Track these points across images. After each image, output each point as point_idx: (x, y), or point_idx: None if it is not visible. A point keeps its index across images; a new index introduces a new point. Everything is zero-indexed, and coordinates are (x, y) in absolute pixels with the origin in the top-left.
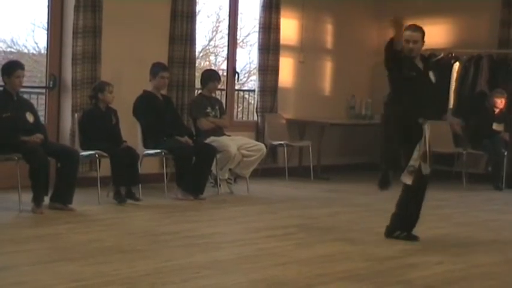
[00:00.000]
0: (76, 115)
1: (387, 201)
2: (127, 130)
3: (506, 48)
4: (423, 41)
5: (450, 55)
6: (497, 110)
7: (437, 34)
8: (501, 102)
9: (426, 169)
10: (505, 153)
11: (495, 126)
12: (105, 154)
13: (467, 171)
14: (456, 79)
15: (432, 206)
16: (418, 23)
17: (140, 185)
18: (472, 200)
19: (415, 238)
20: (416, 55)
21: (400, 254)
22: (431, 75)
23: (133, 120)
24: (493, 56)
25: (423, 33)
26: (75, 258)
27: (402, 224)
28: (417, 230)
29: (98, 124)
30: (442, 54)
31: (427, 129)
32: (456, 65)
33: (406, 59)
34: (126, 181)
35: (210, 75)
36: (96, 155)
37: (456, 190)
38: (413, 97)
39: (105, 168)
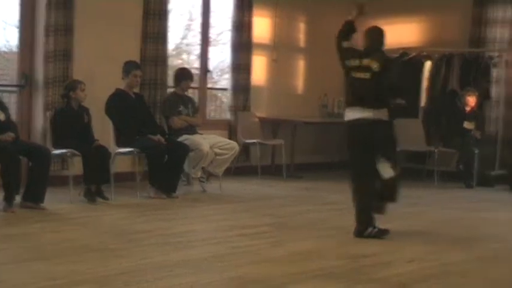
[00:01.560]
0: (48, 113)
1: None
2: (99, 128)
3: (478, 47)
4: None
5: (422, 54)
6: (468, 109)
7: (409, 33)
8: (472, 100)
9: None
10: (476, 151)
11: (466, 124)
12: (77, 153)
13: (439, 169)
14: (428, 78)
15: (404, 204)
16: (391, 22)
17: (112, 184)
18: (444, 197)
19: (385, 232)
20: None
21: (373, 252)
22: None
23: (106, 119)
24: (464, 55)
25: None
26: (48, 257)
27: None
28: (390, 227)
29: (70, 122)
30: (413, 53)
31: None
32: (428, 64)
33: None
34: (97, 179)
35: (183, 74)
36: (68, 154)
37: (428, 188)
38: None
39: (77, 166)
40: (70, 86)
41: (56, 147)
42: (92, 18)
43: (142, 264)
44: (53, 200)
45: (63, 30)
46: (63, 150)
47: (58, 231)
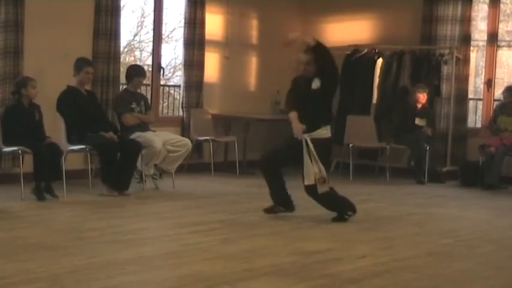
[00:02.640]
0: None
1: None
2: (51, 126)
3: (428, 44)
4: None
5: (373, 51)
6: (419, 105)
7: (360, 30)
8: (423, 97)
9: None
10: (427, 148)
11: (417, 121)
12: (28, 150)
13: (391, 166)
14: (379, 75)
15: (356, 201)
16: (343, 19)
17: (64, 181)
18: (395, 194)
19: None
20: (311, 75)
21: (324, 248)
22: (315, 82)
23: (57, 116)
24: (415, 52)
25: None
26: None
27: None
28: (342, 224)
29: (20, 120)
30: (365, 50)
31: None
32: (379, 61)
33: (299, 79)
34: (47, 177)
35: (135, 71)
36: (19, 151)
37: (380, 184)
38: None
39: (28, 164)
40: (21, 83)
41: (7, 144)
42: (43, 15)
43: (94, 262)
44: (4, 197)
45: (12, 26)
46: (14, 148)
47: (9, 229)
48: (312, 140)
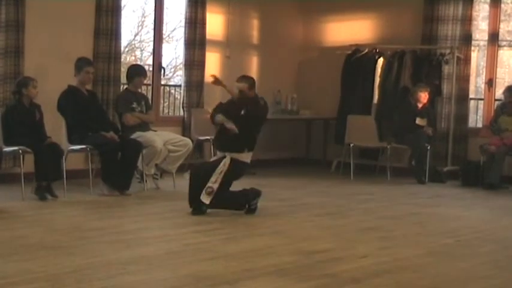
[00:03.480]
0: None
1: (313, 195)
2: (51, 125)
3: (429, 44)
4: (251, 89)
5: (374, 50)
6: (420, 105)
7: (361, 30)
8: (425, 96)
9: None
10: (428, 148)
11: (418, 121)
12: (29, 150)
13: (392, 165)
14: (380, 74)
15: (357, 200)
16: (342, 18)
17: (65, 181)
18: (396, 193)
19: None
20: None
21: (325, 248)
22: (244, 109)
23: (58, 116)
24: (416, 52)
25: (250, 83)
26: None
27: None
28: (343, 223)
29: (21, 120)
30: (366, 50)
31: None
32: (380, 61)
33: (231, 104)
34: (48, 176)
35: (136, 70)
36: (20, 151)
37: (381, 184)
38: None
39: (29, 164)
40: (22, 83)
41: (7, 144)
42: (44, 15)
43: (95, 262)
44: (5, 197)
45: (13, 26)
46: (15, 148)
47: (10, 229)
48: (232, 159)
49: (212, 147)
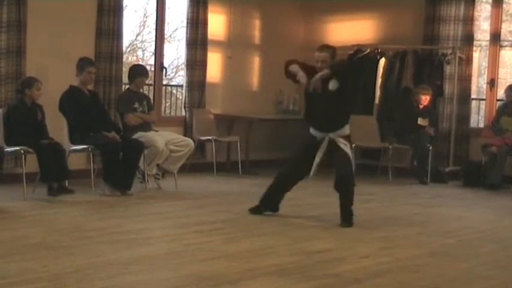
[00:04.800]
0: (0, 110)
1: (314, 195)
2: (53, 125)
3: (431, 44)
4: (333, 59)
5: (376, 51)
6: (422, 105)
7: (363, 30)
8: (426, 99)
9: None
10: (430, 148)
11: (420, 121)
12: (30, 150)
13: (393, 166)
14: (382, 75)
15: (359, 200)
16: (344, 19)
17: (67, 181)
18: (398, 193)
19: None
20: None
21: (327, 248)
22: (331, 84)
23: (60, 116)
24: (418, 52)
25: (332, 52)
26: (0, 255)
27: None
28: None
29: (23, 119)
30: (368, 50)
31: (326, 143)
32: (382, 61)
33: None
34: (56, 176)
35: (138, 70)
36: (22, 151)
37: (382, 184)
38: (307, 110)
39: (30, 164)
40: (26, 83)
41: (9, 144)
42: (45, 14)
43: (96, 261)
44: (6, 197)
45: (15, 26)
46: (17, 148)
47: (11, 229)
48: (340, 137)
49: (214, 147)
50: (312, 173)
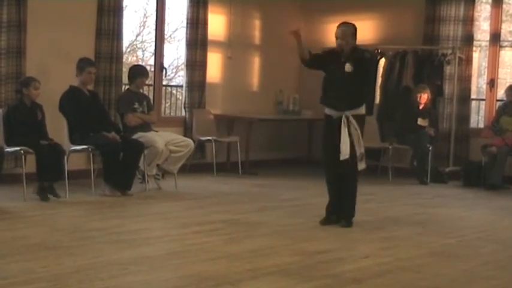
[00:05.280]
0: (0, 110)
1: (315, 196)
2: (53, 126)
3: (431, 44)
4: (354, 36)
5: (376, 51)
6: (422, 105)
7: (363, 30)
8: (424, 97)
9: (361, 165)
10: (430, 148)
11: (420, 121)
12: (30, 150)
13: (393, 166)
14: (382, 75)
15: (359, 200)
16: (344, 19)
17: (67, 181)
18: (398, 194)
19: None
20: (345, 50)
21: (327, 248)
22: (348, 66)
23: (60, 116)
24: (418, 52)
25: (353, 29)
26: (1, 255)
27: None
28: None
29: (23, 120)
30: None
31: (345, 122)
32: (382, 61)
33: (330, 53)
34: (51, 177)
35: (139, 71)
36: (22, 151)
37: (382, 184)
38: (326, 89)
39: (30, 164)
40: (24, 83)
41: (9, 144)
42: (45, 14)
43: (96, 262)
44: (7, 198)
45: (15, 26)
46: (16, 148)
47: (11, 229)
48: (353, 116)
49: (214, 147)
50: (344, 155)
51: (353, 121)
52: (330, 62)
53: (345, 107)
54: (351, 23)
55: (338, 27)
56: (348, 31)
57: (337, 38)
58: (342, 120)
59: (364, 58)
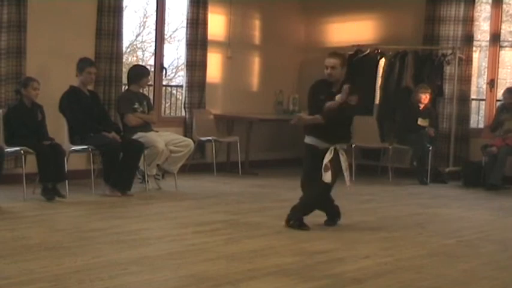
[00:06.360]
0: (0, 111)
1: None
2: (53, 126)
3: (431, 45)
4: (343, 66)
5: (376, 51)
6: (422, 106)
7: (363, 30)
8: (425, 97)
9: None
10: (430, 148)
11: (420, 121)
12: (30, 150)
13: (394, 166)
14: (382, 75)
15: (359, 200)
16: (344, 19)
17: (67, 182)
18: (398, 194)
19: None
20: (334, 80)
21: (328, 248)
22: (338, 97)
23: (60, 116)
24: (418, 52)
25: (342, 59)
26: (1, 255)
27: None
28: (345, 224)
29: (23, 120)
30: (368, 50)
31: (329, 154)
32: (382, 61)
33: (321, 84)
34: (53, 177)
35: (143, 71)
36: (22, 152)
37: (382, 184)
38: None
39: (30, 164)
40: (22, 83)
41: (9, 144)
42: (45, 15)
43: (96, 262)
44: (7, 198)
45: (15, 26)
46: (17, 148)
47: (11, 229)
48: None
49: (214, 147)
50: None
51: (343, 153)
52: (319, 94)
53: (336, 140)
54: (341, 54)
55: (329, 56)
56: (338, 62)
57: (327, 67)
58: (330, 150)
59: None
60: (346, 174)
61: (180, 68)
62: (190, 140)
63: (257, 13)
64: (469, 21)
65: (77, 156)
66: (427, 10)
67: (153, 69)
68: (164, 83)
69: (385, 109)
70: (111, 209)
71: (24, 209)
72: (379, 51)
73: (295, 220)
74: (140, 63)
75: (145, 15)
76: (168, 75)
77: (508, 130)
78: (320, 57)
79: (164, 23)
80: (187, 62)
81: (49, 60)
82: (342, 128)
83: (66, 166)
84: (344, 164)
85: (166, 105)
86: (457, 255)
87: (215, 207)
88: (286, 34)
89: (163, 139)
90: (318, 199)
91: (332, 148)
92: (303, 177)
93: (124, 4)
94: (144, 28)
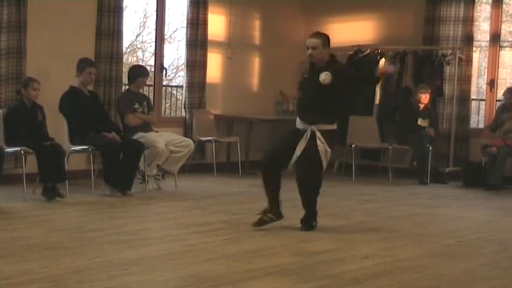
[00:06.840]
0: (0, 111)
1: None
2: (53, 126)
3: (431, 45)
4: (325, 46)
5: (376, 51)
6: (422, 106)
7: (363, 30)
8: (425, 97)
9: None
10: (430, 148)
11: (420, 121)
12: (30, 151)
13: (393, 166)
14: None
15: (359, 200)
16: (344, 19)
17: (67, 182)
18: (398, 194)
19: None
20: (317, 60)
21: (327, 248)
22: (322, 77)
23: (60, 116)
24: (418, 52)
25: (324, 39)
26: (1, 255)
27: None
28: (345, 224)
29: (23, 120)
30: (368, 51)
31: (308, 135)
32: (382, 61)
33: (309, 65)
34: (53, 178)
35: (139, 71)
36: (22, 152)
37: (382, 185)
38: (298, 101)
39: (30, 165)
40: (22, 83)
41: (10, 145)
42: (45, 15)
43: (96, 262)
44: (7, 198)
45: (15, 26)
46: (17, 148)
47: (11, 229)
48: (321, 131)
49: (214, 148)
50: (289, 166)
51: (320, 137)
52: (304, 73)
53: (315, 120)
54: (323, 34)
55: (310, 36)
56: (320, 42)
57: (308, 48)
58: (306, 134)
59: (346, 73)
60: (325, 160)
61: (180, 68)
62: (190, 140)
63: (257, 13)
64: (469, 21)
65: (77, 157)
66: (427, 10)
67: (153, 70)
68: (164, 83)
69: (385, 109)
70: (111, 209)
71: (24, 209)
72: (379, 51)
73: (312, 227)
74: (140, 63)
75: (145, 15)
76: (168, 76)
77: (508, 130)
78: None
79: (164, 23)
80: (187, 62)
81: (49, 61)
82: (323, 106)
83: (66, 166)
84: (321, 148)
85: (167, 105)
86: (457, 255)
87: (215, 207)
88: (286, 34)
89: (164, 139)
90: (316, 194)
91: (309, 131)
92: (266, 154)
93: (124, 4)
94: (144, 28)
